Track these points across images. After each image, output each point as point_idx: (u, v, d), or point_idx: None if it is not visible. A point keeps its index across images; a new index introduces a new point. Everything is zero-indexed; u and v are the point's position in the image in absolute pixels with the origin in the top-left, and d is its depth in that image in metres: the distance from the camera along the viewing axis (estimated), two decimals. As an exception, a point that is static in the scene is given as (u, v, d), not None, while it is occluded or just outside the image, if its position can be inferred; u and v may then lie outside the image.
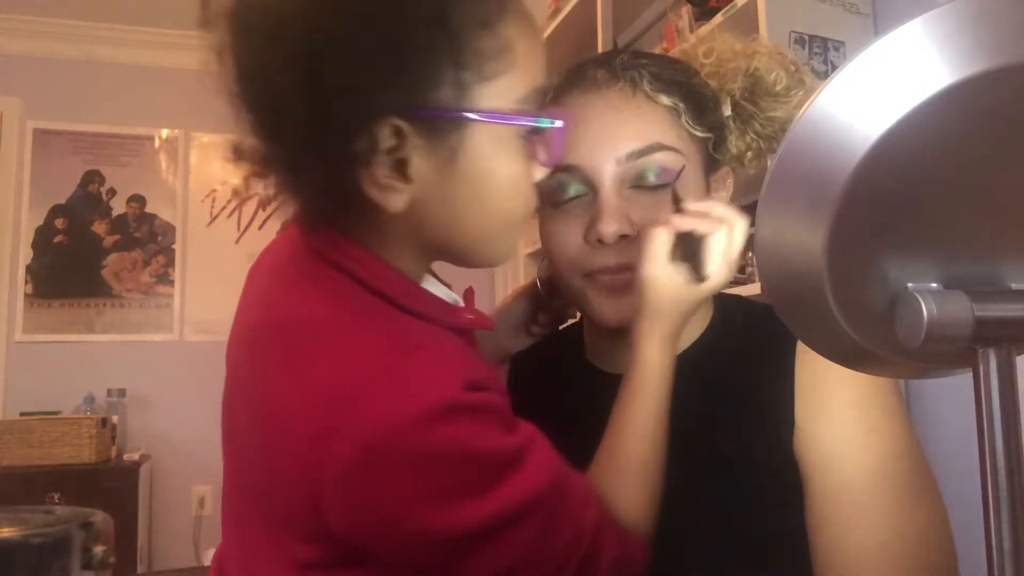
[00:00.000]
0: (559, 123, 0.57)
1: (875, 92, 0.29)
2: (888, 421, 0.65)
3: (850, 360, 0.40)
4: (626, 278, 0.64)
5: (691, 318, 0.66)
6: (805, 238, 0.33)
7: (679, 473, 0.69)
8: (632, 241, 0.64)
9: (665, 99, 0.66)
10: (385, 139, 0.52)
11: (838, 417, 0.65)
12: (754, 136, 0.71)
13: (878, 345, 0.37)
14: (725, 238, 0.63)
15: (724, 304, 0.76)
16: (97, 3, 3.24)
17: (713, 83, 0.70)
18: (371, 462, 0.50)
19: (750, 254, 1.81)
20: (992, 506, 0.32)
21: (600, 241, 0.64)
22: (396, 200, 0.55)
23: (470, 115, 0.53)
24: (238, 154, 0.56)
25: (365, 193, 0.54)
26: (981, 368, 0.33)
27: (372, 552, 0.54)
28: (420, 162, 0.54)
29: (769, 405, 0.68)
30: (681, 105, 0.66)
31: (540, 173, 0.60)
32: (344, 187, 0.53)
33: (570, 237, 0.67)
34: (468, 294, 0.66)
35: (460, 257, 0.62)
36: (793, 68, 0.69)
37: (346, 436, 0.50)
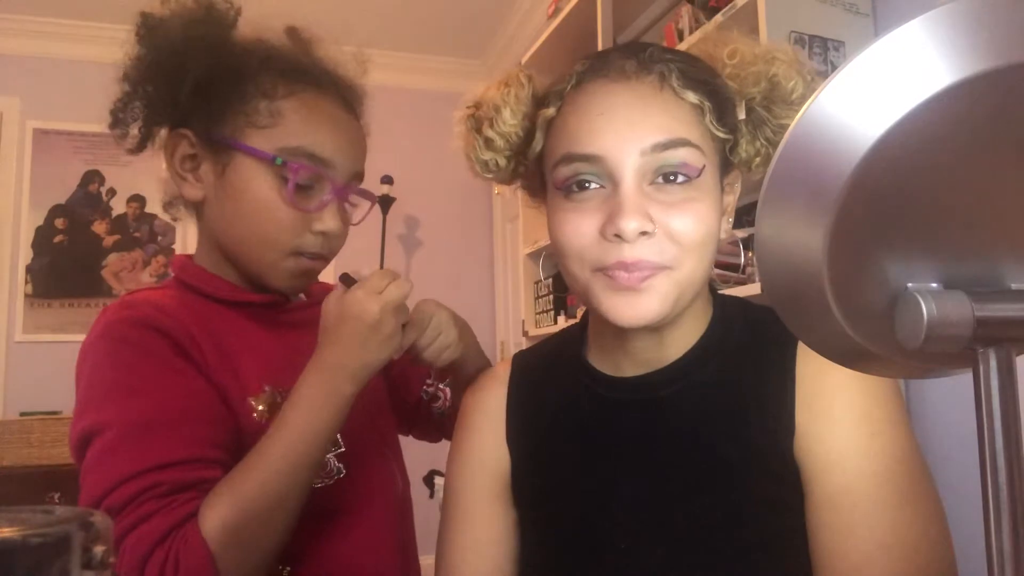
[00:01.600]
0: (296, 167, 0.80)
1: (875, 92, 0.29)
2: (889, 425, 0.65)
3: (850, 360, 0.40)
4: (642, 276, 0.63)
5: (383, 350, 0.78)
6: (805, 238, 0.33)
7: (680, 476, 0.69)
8: (651, 237, 0.63)
9: (692, 96, 0.65)
10: (184, 146, 0.84)
11: (839, 421, 0.64)
12: (764, 142, 0.70)
13: (878, 345, 0.37)
14: (378, 276, 0.78)
15: (724, 306, 0.75)
16: (98, 3, 3.25)
17: (733, 85, 0.69)
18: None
19: (750, 254, 1.81)
20: (992, 506, 0.32)
21: (618, 236, 0.62)
22: (190, 190, 0.85)
23: (232, 143, 0.82)
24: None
25: (174, 179, 0.85)
26: (981, 368, 0.33)
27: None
28: (206, 168, 0.84)
29: (770, 409, 0.67)
30: (707, 104, 0.65)
31: (321, 223, 0.83)
32: (170, 175, 0.86)
33: (584, 229, 0.65)
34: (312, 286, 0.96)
35: (237, 261, 0.86)
36: (810, 78, 0.68)
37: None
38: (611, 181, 0.64)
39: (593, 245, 0.64)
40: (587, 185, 0.65)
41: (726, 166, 0.70)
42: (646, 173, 0.64)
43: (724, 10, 1.80)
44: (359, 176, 0.89)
